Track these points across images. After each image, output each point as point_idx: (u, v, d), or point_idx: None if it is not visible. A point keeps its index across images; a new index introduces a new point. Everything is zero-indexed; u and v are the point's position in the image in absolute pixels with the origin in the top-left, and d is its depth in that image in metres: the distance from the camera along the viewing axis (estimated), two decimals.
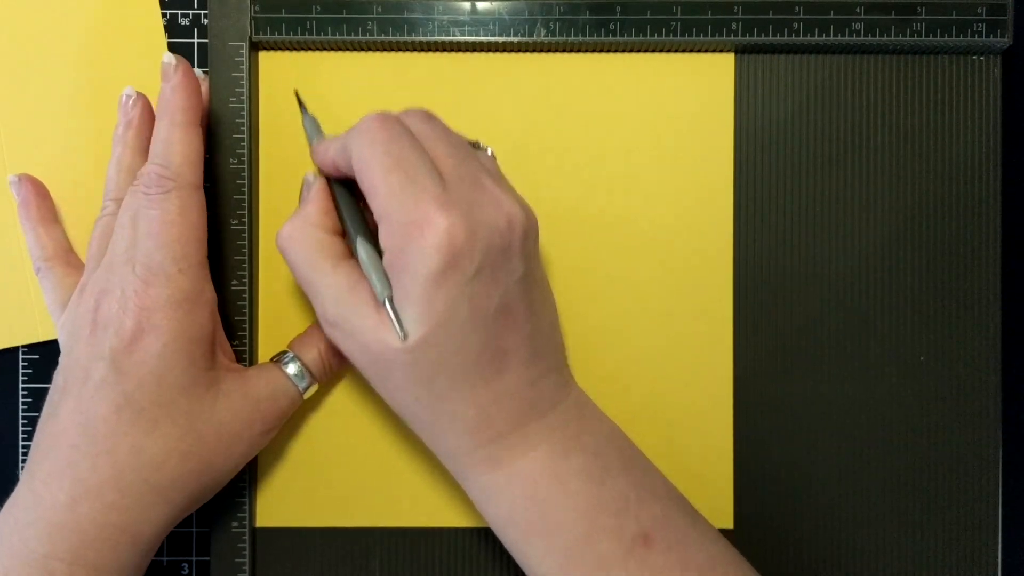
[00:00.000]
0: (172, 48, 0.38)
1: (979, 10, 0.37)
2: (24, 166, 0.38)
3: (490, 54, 0.38)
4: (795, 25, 0.37)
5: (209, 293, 0.33)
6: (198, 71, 0.37)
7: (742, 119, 0.38)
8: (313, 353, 0.35)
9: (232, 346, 0.36)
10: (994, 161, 0.38)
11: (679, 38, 0.36)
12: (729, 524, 0.38)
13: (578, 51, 0.38)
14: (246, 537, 0.37)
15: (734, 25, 0.37)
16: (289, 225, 0.33)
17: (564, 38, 0.37)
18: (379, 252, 0.31)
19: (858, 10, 0.37)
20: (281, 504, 0.38)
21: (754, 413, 0.38)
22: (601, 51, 0.38)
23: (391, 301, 0.30)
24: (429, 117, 0.33)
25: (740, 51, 0.38)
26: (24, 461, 0.36)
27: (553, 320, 0.34)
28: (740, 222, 0.38)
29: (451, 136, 0.32)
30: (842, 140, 0.38)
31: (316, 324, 0.36)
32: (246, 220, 0.37)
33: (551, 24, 0.37)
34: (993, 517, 0.38)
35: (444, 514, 0.38)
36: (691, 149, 0.38)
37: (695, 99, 0.38)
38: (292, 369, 0.35)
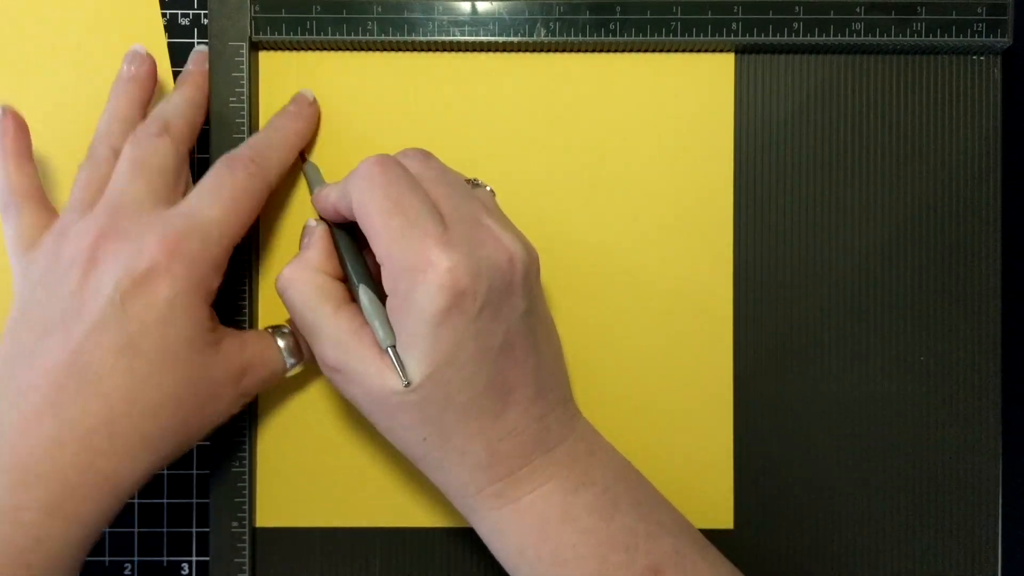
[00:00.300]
0: (172, 48, 0.38)
1: (979, 10, 0.37)
2: None
3: (490, 54, 0.38)
4: (795, 25, 0.37)
5: (223, 258, 0.32)
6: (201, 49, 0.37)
7: (742, 119, 0.38)
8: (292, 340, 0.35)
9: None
10: (994, 161, 0.38)
11: (679, 38, 0.36)
12: (729, 524, 0.38)
13: (578, 51, 0.38)
14: (246, 537, 0.37)
15: (734, 25, 0.37)
16: (290, 268, 0.33)
17: (564, 38, 0.37)
18: (381, 297, 0.31)
19: (858, 10, 0.37)
20: (281, 504, 0.38)
21: (754, 413, 0.38)
22: (601, 51, 0.38)
23: (395, 349, 0.30)
24: (427, 157, 0.33)
25: (740, 51, 0.38)
26: None
27: (557, 353, 0.34)
28: (740, 222, 0.38)
29: (449, 175, 0.33)
30: (842, 140, 0.38)
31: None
32: None
33: (551, 24, 0.37)
34: (993, 517, 0.38)
35: (444, 514, 0.38)
36: (691, 149, 0.38)
37: (695, 99, 0.38)
38: (284, 343, 0.34)
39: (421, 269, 0.29)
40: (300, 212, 0.38)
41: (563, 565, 0.31)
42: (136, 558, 0.38)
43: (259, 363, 0.33)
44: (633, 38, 0.37)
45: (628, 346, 0.38)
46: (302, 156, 0.36)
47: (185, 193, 0.33)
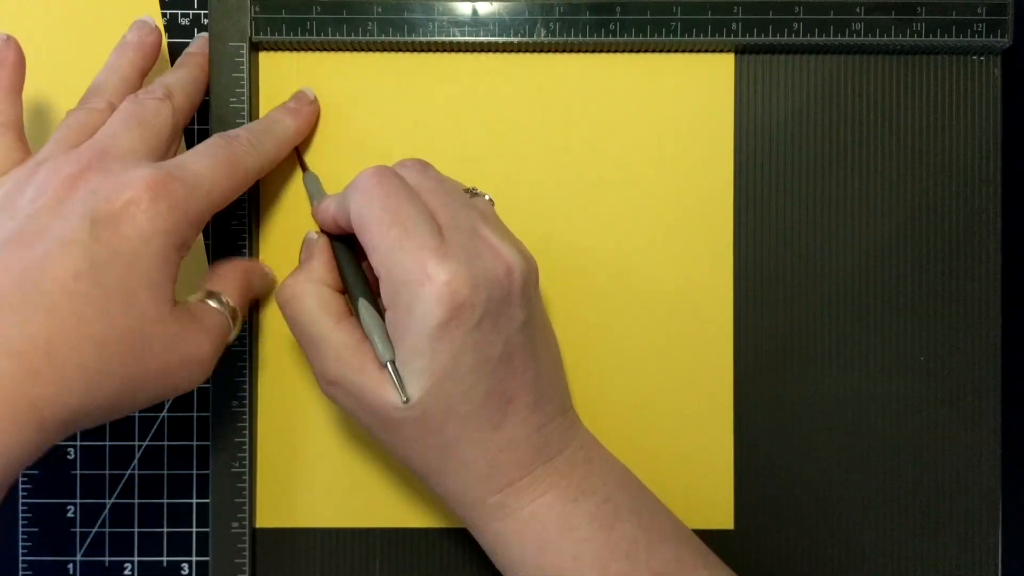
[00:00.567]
0: (172, 48, 0.38)
1: (979, 10, 0.37)
2: None
3: (490, 54, 0.38)
4: (795, 25, 0.37)
5: (205, 215, 0.31)
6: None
7: (742, 119, 0.38)
8: (234, 289, 0.34)
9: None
10: (994, 161, 0.38)
11: (679, 38, 0.36)
12: (729, 524, 0.38)
13: (578, 51, 0.38)
14: (246, 537, 0.37)
15: (734, 25, 0.37)
16: (291, 280, 0.33)
17: (564, 38, 0.37)
18: (380, 311, 0.31)
19: (858, 10, 0.37)
20: (281, 504, 0.38)
21: (754, 413, 0.38)
22: (601, 51, 0.38)
23: (394, 364, 0.30)
24: (424, 167, 0.33)
25: (740, 51, 0.38)
26: None
27: (557, 363, 0.34)
28: (740, 222, 0.38)
29: (447, 185, 0.32)
30: (842, 140, 0.38)
31: (232, 266, 0.35)
32: (246, 220, 0.37)
33: (551, 24, 0.37)
34: (993, 517, 0.38)
35: (444, 514, 0.38)
36: (691, 149, 0.38)
37: (695, 99, 0.38)
38: (222, 306, 0.33)
39: (419, 282, 0.29)
40: (301, 224, 0.38)
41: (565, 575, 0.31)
42: (136, 558, 0.38)
43: (215, 331, 0.32)
44: (633, 38, 0.37)
45: (628, 346, 0.38)
46: (303, 166, 0.36)
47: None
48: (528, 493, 0.31)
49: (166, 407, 0.38)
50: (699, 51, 0.38)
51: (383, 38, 0.37)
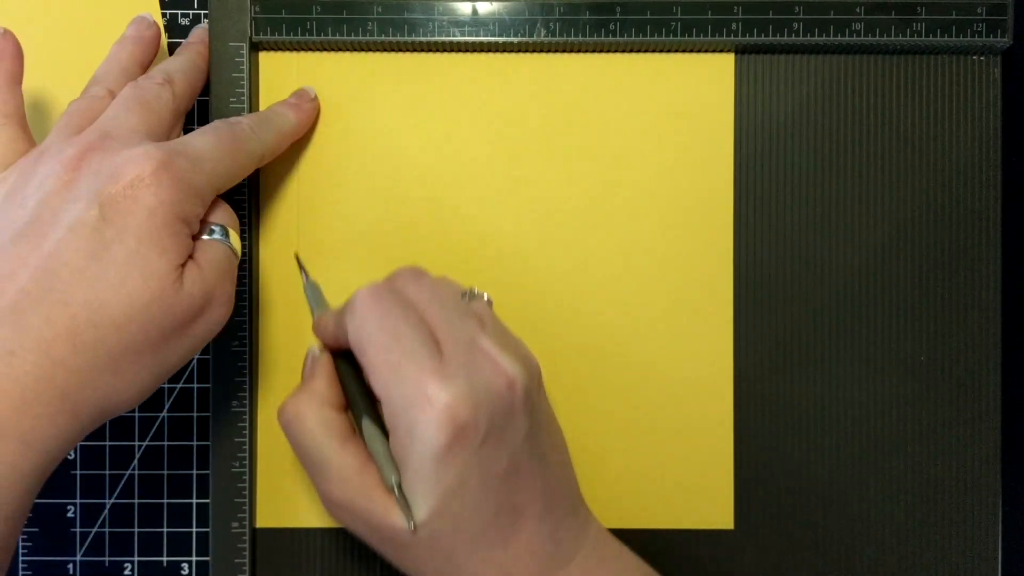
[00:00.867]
0: (172, 48, 0.38)
1: (979, 10, 0.37)
2: None
3: (490, 54, 0.38)
4: (795, 25, 0.37)
5: (208, 192, 0.31)
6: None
7: (742, 119, 0.38)
8: (215, 212, 0.33)
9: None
10: (994, 161, 0.38)
11: (679, 38, 0.36)
12: (729, 524, 0.38)
13: (578, 51, 0.38)
14: (246, 537, 0.37)
15: (734, 25, 0.37)
16: (293, 401, 0.32)
17: (564, 38, 0.37)
18: (384, 430, 0.31)
19: (858, 10, 0.37)
20: (281, 504, 0.38)
21: (754, 413, 0.38)
22: (601, 51, 0.38)
23: (400, 487, 0.30)
24: (418, 276, 0.32)
25: (740, 51, 0.38)
26: None
27: (564, 461, 0.33)
28: (740, 222, 0.38)
29: (443, 293, 0.32)
30: (842, 140, 0.38)
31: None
32: (246, 221, 0.37)
33: (551, 24, 0.37)
34: (993, 517, 0.38)
35: None
36: (691, 149, 0.38)
37: (695, 99, 0.38)
38: (214, 235, 0.32)
39: (420, 407, 0.29)
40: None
41: None
42: (136, 558, 0.38)
43: (223, 266, 0.31)
44: (633, 38, 0.37)
45: (628, 347, 0.38)
46: (303, 273, 0.36)
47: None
48: None
49: (166, 407, 0.38)
50: (699, 51, 0.38)
51: (383, 38, 0.37)
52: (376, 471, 0.30)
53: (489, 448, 0.29)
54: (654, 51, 0.38)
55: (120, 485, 0.38)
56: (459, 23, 0.37)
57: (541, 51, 0.38)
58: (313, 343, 0.34)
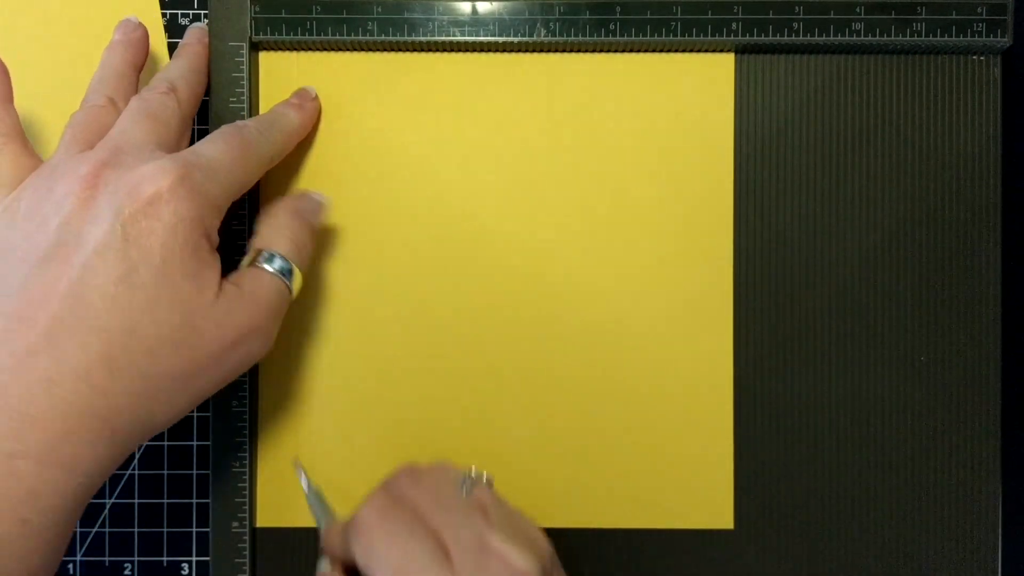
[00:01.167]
0: (172, 48, 0.38)
1: (979, 10, 0.37)
2: None
3: (490, 54, 0.38)
4: (795, 25, 0.37)
5: (224, 201, 0.31)
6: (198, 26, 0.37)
7: (742, 119, 0.38)
8: (285, 242, 0.33)
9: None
10: (994, 161, 0.38)
11: (679, 38, 0.36)
12: (729, 524, 0.38)
13: (578, 51, 0.38)
14: (246, 537, 0.37)
15: (734, 25, 0.37)
16: None
17: (564, 38, 0.37)
18: None
19: (858, 10, 0.37)
20: (281, 504, 0.38)
21: (754, 413, 0.38)
22: (601, 51, 0.38)
23: None
24: (416, 477, 0.33)
25: (740, 51, 0.38)
26: None
27: None
28: (740, 222, 0.38)
29: (444, 492, 0.32)
30: (842, 140, 0.38)
31: (270, 213, 0.34)
32: (246, 221, 0.37)
33: (551, 24, 0.37)
34: (993, 517, 0.38)
35: None
36: (691, 149, 0.38)
37: (695, 99, 0.38)
38: (273, 265, 0.32)
39: None
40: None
41: None
42: (136, 558, 0.38)
43: (262, 297, 0.31)
44: (633, 38, 0.37)
45: (628, 346, 0.38)
46: (304, 480, 0.36)
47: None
48: None
49: None
50: (699, 51, 0.38)
51: (383, 38, 0.37)
52: None
53: None
54: (654, 51, 0.38)
55: (120, 485, 0.38)
56: (459, 23, 0.37)
57: (541, 51, 0.38)
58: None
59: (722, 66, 0.38)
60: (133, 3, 0.38)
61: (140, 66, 0.36)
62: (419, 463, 0.34)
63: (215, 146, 0.31)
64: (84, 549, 0.38)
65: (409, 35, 0.37)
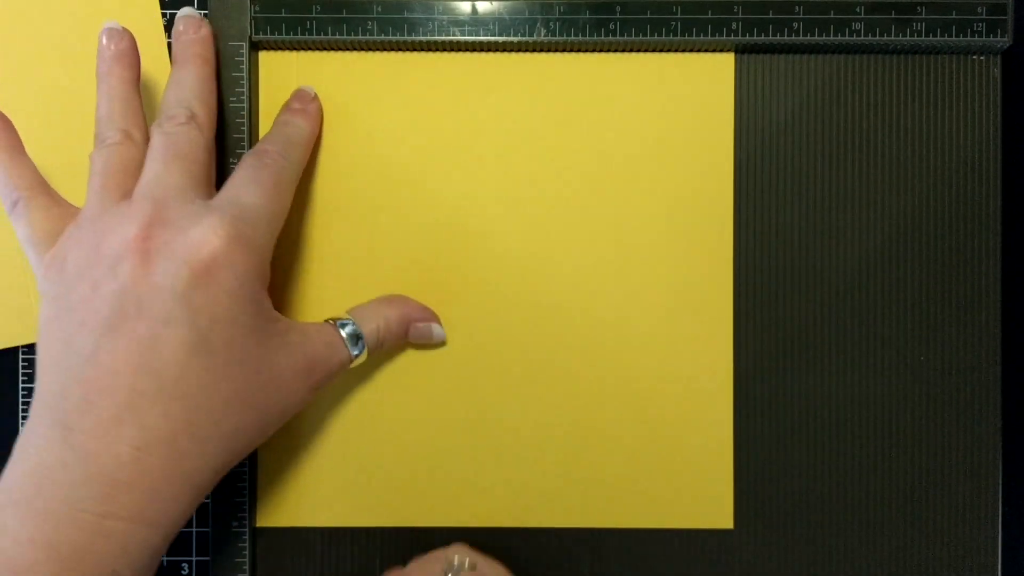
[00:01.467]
0: (172, 49, 0.38)
1: (979, 10, 0.37)
2: None
3: (490, 54, 0.38)
4: (795, 25, 0.37)
5: (271, 246, 0.32)
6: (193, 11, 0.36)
7: (742, 119, 0.38)
8: (373, 324, 0.35)
9: None
10: (994, 161, 0.38)
11: (679, 38, 0.37)
12: (729, 524, 0.38)
13: (578, 51, 0.38)
14: (246, 537, 0.37)
15: (734, 25, 0.37)
16: None
17: (564, 38, 0.37)
18: None
19: (858, 10, 0.37)
20: (281, 504, 0.38)
21: (754, 413, 0.38)
22: (601, 51, 0.38)
23: None
24: None
25: (740, 51, 0.38)
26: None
27: None
28: (740, 222, 0.38)
29: None
30: (842, 140, 0.38)
31: (382, 299, 0.36)
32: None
33: (551, 24, 0.37)
34: (993, 517, 0.38)
35: (446, 514, 0.38)
36: (691, 149, 0.38)
37: (695, 99, 0.38)
38: (347, 332, 0.34)
39: None
40: (305, 229, 0.38)
41: None
42: None
43: (324, 355, 0.33)
44: (633, 38, 0.37)
45: (628, 346, 0.38)
46: None
47: (214, 182, 0.33)
48: None
49: None
50: (699, 51, 0.38)
51: (383, 38, 0.37)
52: None
53: None
54: (654, 51, 0.38)
55: None
56: (459, 22, 0.37)
57: (541, 51, 0.38)
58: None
59: (722, 66, 0.38)
60: (133, 3, 0.38)
61: (137, 80, 0.35)
62: (400, 568, 0.35)
63: (249, 191, 0.32)
64: None
65: (409, 35, 0.37)
